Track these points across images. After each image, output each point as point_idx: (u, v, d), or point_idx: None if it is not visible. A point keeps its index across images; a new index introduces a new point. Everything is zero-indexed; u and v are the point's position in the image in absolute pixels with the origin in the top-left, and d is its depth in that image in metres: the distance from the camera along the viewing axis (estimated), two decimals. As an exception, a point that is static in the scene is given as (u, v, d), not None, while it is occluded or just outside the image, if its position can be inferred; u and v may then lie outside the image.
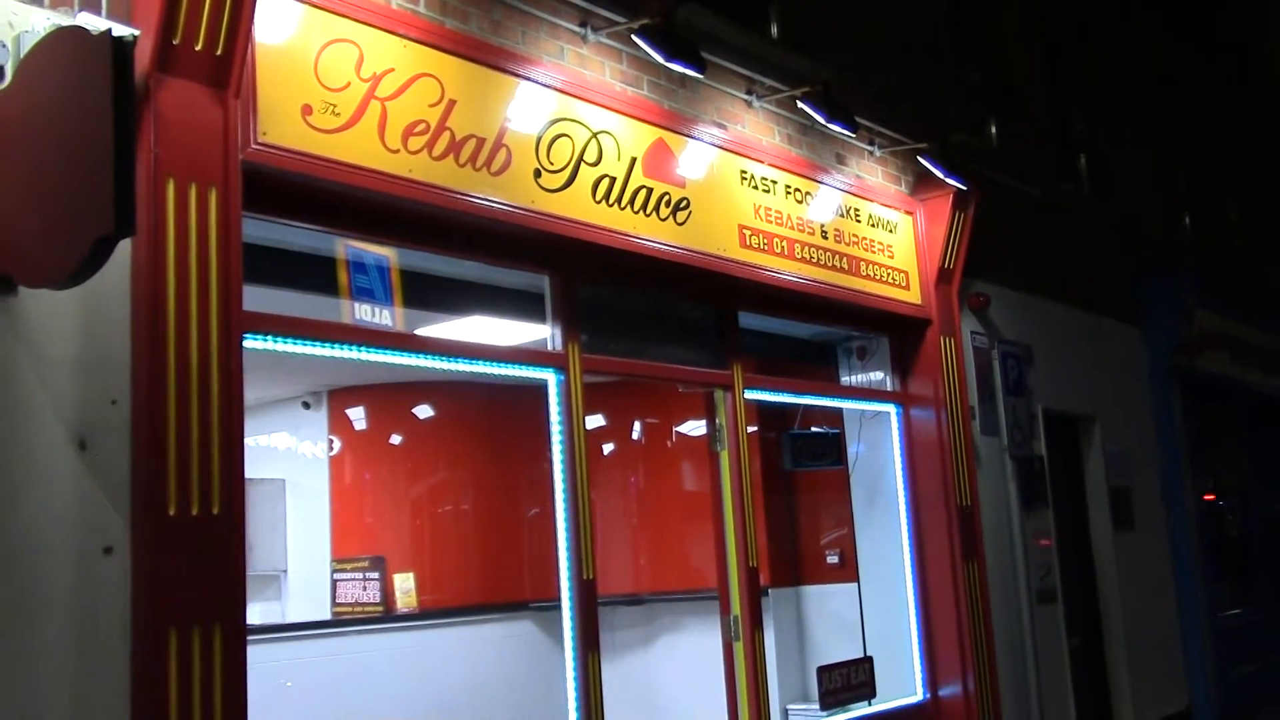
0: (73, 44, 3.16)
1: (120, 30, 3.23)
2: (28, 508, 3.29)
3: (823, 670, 6.41)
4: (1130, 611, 9.25)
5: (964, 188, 7.20)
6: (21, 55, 3.38)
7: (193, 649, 3.45)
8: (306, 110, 4.10)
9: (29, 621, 3.25)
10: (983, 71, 9.00)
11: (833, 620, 7.50)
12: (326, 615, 7.45)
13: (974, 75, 8.89)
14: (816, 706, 6.45)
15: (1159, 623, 9.89)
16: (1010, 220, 8.48)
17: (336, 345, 4.36)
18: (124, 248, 3.39)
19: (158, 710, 3.37)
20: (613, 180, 5.27)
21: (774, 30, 6.81)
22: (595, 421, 7.40)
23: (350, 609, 7.37)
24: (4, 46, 3.39)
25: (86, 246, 2.99)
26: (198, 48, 3.64)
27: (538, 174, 4.93)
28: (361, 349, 4.45)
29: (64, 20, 3.47)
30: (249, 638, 3.66)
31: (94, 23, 3.40)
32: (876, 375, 7.40)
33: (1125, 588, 9.26)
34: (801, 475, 7.65)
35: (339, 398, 7.91)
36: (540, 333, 5.27)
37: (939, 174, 7.02)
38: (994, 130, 8.93)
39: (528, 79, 4.92)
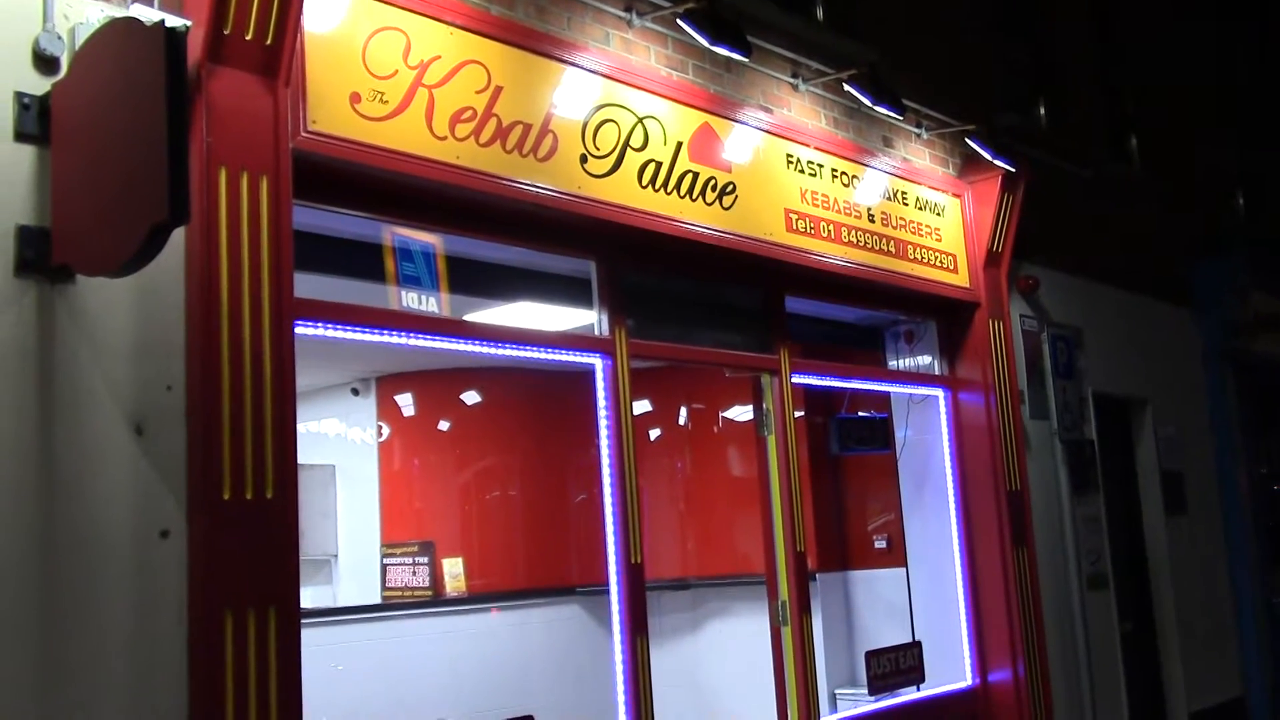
0: (126, 35, 3.21)
1: (172, 21, 3.28)
2: (87, 491, 3.35)
3: (871, 655, 6.40)
4: (1183, 597, 9.15)
5: (1012, 169, 7.13)
6: (76, 47, 3.43)
7: (248, 631, 3.50)
8: (355, 98, 4.13)
9: (89, 603, 3.31)
10: (1031, 52, 8.90)
11: (881, 605, 7.48)
12: (377, 599, 7.52)
13: (1022, 55, 8.79)
14: (865, 691, 6.44)
15: (1212, 608, 9.77)
16: (1060, 202, 8.39)
17: (386, 331, 4.40)
18: (178, 236, 3.44)
19: (214, 690, 3.42)
20: (659, 165, 5.27)
21: (819, 12, 6.77)
22: (642, 407, 7.42)
23: (400, 593, 7.44)
24: (59, 38, 3.45)
25: (142, 235, 3.04)
26: (248, 37, 3.67)
27: (584, 159, 4.94)
28: (410, 335, 4.49)
29: (117, 12, 3.52)
30: (302, 621, 3.71)
31: (147, 14, 3.44)
32: (924, 359, 7.36)
33: (1177, 573, 9.15)
34: (849, 460, 7.63)
35: (388, 384, 7.97)
36: (587, 318, 5.28)
37: (987, 156, 6.96)
38: (1043, 111, 8.83)
39: (573, 64, 4.93)
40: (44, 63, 3.43)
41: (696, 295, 5.97)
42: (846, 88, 6.24)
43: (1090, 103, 9.48)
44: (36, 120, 3.37)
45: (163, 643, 3.44)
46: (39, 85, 3.41)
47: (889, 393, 7.33)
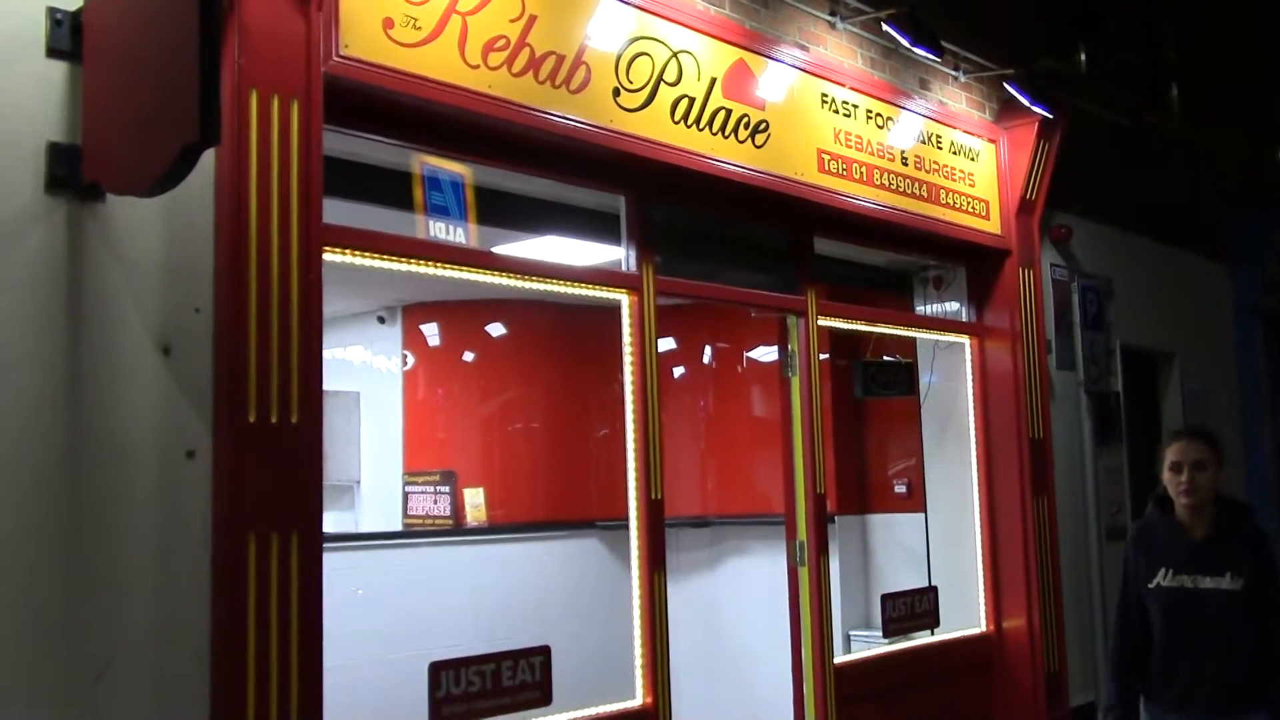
0: (160, -48, 3.18)
1: (206, -61, 3.24)
2: (114, 409, 3.38)
3: (887, 598, 6.42)
4: (1201, 552, 9.12)
5: (1050, 116, 7.03)
6: (109, -37, 3.41)
7: (271, 553, 3.54)
8: (388, 24, 4.09)
9: (115, 522, 3.35)
10: (1074, -4, 8.74)
11: (898, 549, 7.50)
12: (398, 526, 7.59)
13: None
14: (879, 633, 6.48)
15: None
16: (1096, 150, 8.28)
17: (414, 260, 4.39)
18: (208, 158, 3.42)
19: (237, 610, 3.47)
20: (692, 100, 5.21)
21: (860, -51, 6.66)
22: (667, 344, 7.41)
23: (421, 521, 7.50)
24: (92, -46, 3.42)
25: (172, 154, 3.02)
26: (281, -42, 3.64)
27: (617, 93, 4.90)
28: (438, 265, 4.48)
29: (151, -72, 3.48)
30: (324, 545, 3.74)
31: (180, -69, 3.41)
32: (952, 306, 7.31)
33: (1198, 528, 9.12)
34: (872, 404, 7.61)
35: (413, 314, 7.98)
36: (615, 253, 5.26)
37: (1025, 101, 6.86)
38: (1083, 57, 8.68)
39: (609, -5, 4.87)
40: (77, -22, 3.41)
41: (725, 234, 5.93)
42: (884, 27, 6.13)
43: (1131, 50, 9.32)
44: (69, 36, 3.35)
45: (186, 561, 3.48)
46: (72, 1, 3.39)
47: (915, 338, 7.30)
